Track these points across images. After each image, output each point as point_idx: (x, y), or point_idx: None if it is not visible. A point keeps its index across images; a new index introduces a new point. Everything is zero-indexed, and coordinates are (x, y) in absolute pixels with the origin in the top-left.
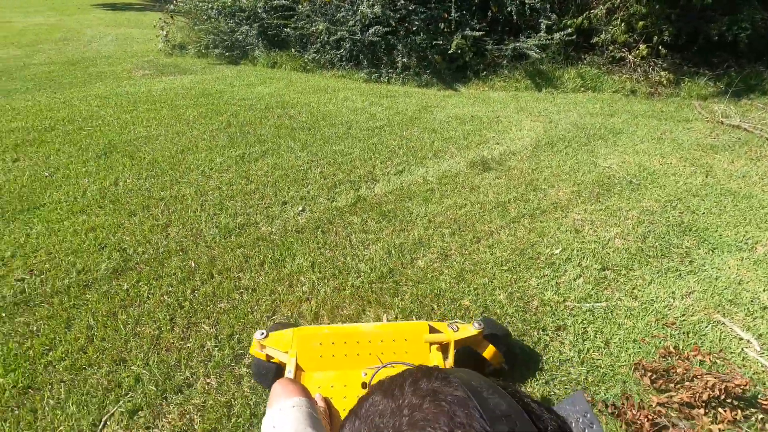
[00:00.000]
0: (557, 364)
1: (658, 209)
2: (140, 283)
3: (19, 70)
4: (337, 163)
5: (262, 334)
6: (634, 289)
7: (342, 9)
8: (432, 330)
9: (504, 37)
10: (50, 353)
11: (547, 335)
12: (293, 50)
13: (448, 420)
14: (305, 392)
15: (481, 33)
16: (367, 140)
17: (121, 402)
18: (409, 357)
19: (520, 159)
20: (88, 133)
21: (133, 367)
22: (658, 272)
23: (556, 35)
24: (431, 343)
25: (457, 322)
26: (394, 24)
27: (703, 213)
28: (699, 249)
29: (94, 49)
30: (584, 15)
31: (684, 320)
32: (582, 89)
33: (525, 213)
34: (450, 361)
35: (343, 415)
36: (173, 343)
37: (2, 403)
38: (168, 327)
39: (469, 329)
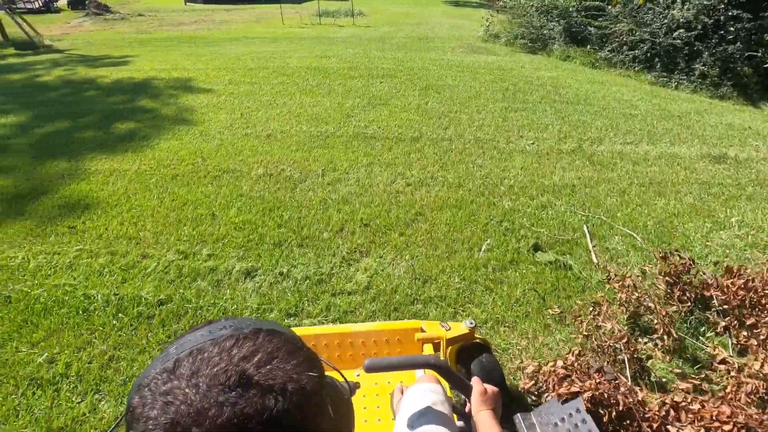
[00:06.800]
0: None
1: None
2: (425, 147)
3: (389, 39)
4: (575, 127)
5: None
6: None
7: (651, 11)
8: (424, 329)
9: None
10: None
11: None
12: (589, 47)
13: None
14: None
15: None
16: (613, 119)
17: None
18: None
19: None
20: (419, 76)
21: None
22: None
23: None
24: (423, 342)
25: (448, 322)
26: (701, 29)
27: None
28: None
29: (433, 32)
30: None
31: None
32: None
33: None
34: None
35: None
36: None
37: None
38: (442, 159)
39: (461, 328)
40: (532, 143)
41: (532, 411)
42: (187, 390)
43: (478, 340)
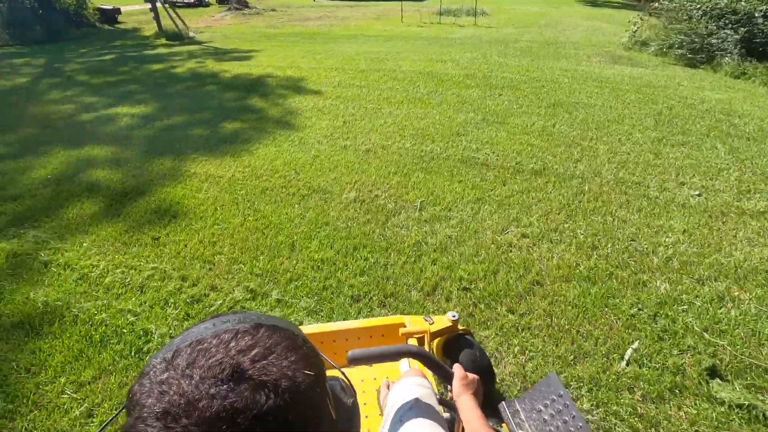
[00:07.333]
0: None
1: None
2: (549, 184)
3: (512, 42)
4: (764, 176)
5: None
6: None
7: None
8: (407, 324)
9: None
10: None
11: None
12: None
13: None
14: None
15: None
16: None
17: None
18: None
19: None
20: (546, 90)
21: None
22: None
23: None
24: (407, 337)
25: (431, 315)
26: None
27: None
28: None
29: (565, 36)
30: None
31: None
32: None
33: None
34: None
35: None
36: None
37: None
38: (570, 204)
39: (444, 321)
40: (699, 194)
41: (516, 398)
42: (181, 380)
43: (461, 332)
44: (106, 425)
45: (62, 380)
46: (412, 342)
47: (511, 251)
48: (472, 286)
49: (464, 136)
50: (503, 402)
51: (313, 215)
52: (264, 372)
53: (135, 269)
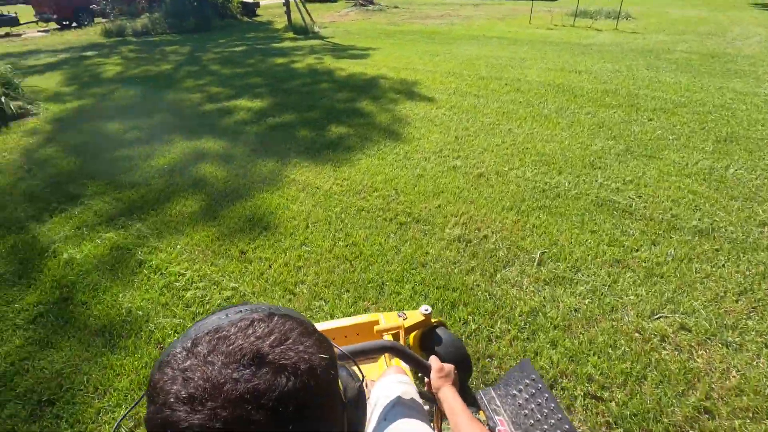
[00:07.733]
0: None
1: None
2: (721, 254)
3: (664, 53)
4: None
5: None
6: None
7: None
8: (382, 321)
9: None
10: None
11: None
12: None
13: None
14: None
15: None
16: None
17: None
18: None
19: None
20: (713, 118)
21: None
22: None
23: None
24: (382, 334)
25: (404, 311)
26: None
27: None
28: None
29: (736, 47)
30: None
31: None
32: None
33: None
34: None
35: None
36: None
37: None
38: (753, 289)
39: (417, 315)
40: None
41: (491, 386)
42: (204, 367)
43: (435, 324)
44: (124, 416)
45: (122, 411)
46: (388, 338)
47: (664, 348)
48: (606, 394)
49: (600, 169)
50: (480, 391)
51: (408, 251)
52: (283, 356)
53: (217, 285)
